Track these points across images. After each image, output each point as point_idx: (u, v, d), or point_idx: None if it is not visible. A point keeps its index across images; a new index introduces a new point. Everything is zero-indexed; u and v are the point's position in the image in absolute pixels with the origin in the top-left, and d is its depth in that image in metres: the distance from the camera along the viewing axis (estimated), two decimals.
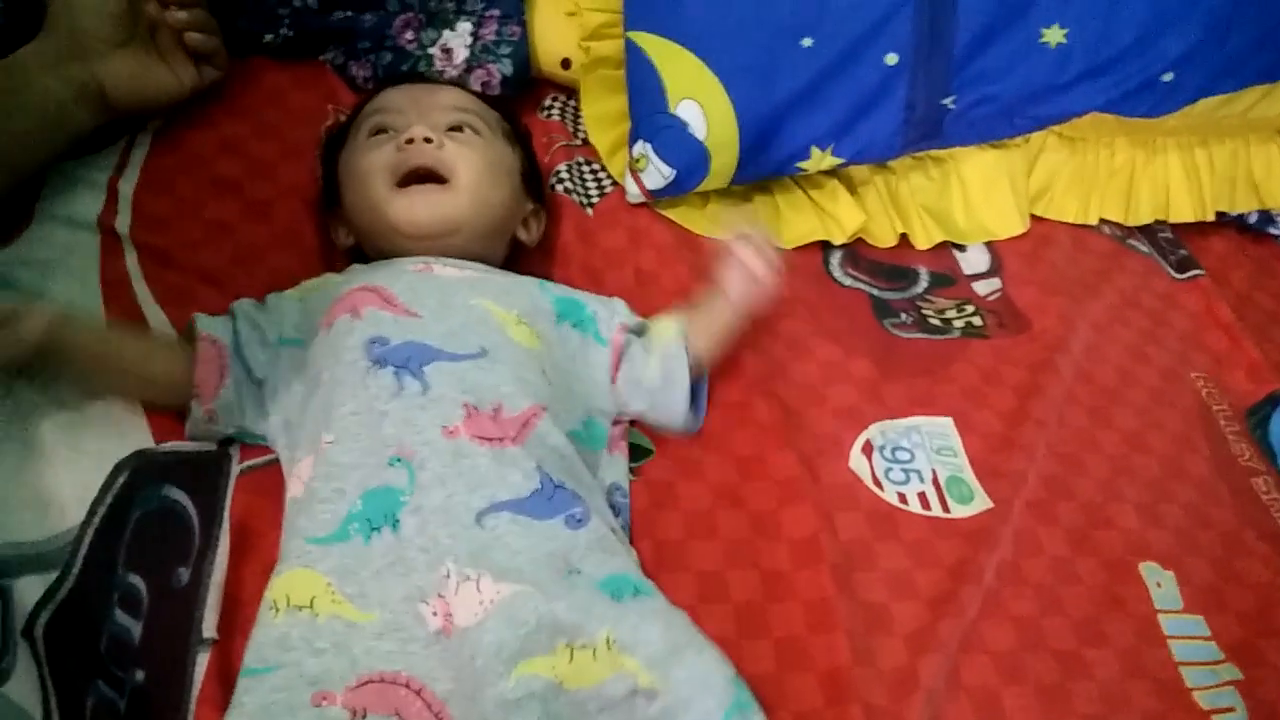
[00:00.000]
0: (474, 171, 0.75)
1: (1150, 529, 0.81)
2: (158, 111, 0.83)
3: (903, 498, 0.77)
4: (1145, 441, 0.88)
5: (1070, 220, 1.06)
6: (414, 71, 0.92)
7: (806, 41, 0.88)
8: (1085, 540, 0.78)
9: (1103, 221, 1.07)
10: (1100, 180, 1.06)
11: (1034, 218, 1.05)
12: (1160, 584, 0.77)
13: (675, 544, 0.70)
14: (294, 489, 0.62)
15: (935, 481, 0.79)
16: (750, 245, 0.74)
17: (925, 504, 0.77)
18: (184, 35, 0.80)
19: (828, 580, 0.68)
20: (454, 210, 0.74)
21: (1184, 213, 1.07)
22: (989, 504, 0.78)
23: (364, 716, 0.51)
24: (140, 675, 0.56)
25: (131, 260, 0.75)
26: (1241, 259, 1.11)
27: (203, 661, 0.57)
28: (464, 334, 0.66)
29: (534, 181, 0.85)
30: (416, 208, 0.73)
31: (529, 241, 0.83)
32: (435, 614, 0.54)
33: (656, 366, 0.74)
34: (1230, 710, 0.71)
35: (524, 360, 0.67)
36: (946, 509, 0.77)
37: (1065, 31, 0.93)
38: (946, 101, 0.94)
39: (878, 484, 0.77)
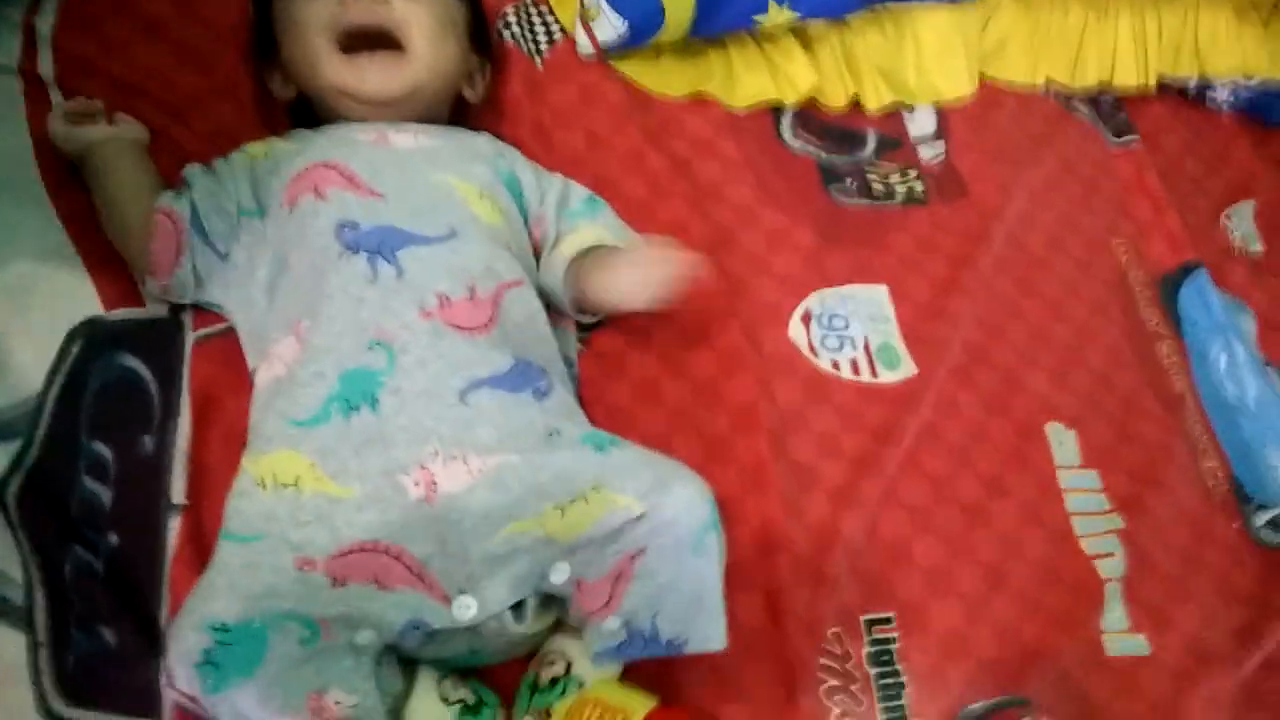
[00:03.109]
0: (427, 34, 0.72)
1: (1059, 392, 0.87)
2: None
3: (835, 364, 0.82)
4: (1064, 309, 0.93)
5: (1018, 80, 1.06)
6: None
7: None
8: (999, 403, 0.84)
9: (1049, 83, 1.08)
10: (1050, 41, 1.06)
11: (982, 79, 1.05)
12: (1062, 442, 0.85)
13: (622, 411, 0.73)
14: (274, 369, 0.63)
15: (866, 348, 0.83)
16: (658, 266, 0.69)
17: (856, 370, 0.82)
18: None
19: (763, 445, 0.73)
20: (412, 80, 0.72)
21: (1128, 78, 1.08)
22: (914, 370, 0.83)
23: (344, 583, 0.55)
24: (114, 539, 0.59)
25: (58, 115, 0.72)
26: (1176, 124, 1.13)
27: (174, 526, 0.60)
28: (431, 214, 0.66)
29: (480, 34, 0.82)
30: (370, 78, 0.71)
31: (474, 99, 0.81)
32: (417, 484, 0.57)
33: (553, 274, 0.73)
34: (1110, 555, 0.80)
35: (491, 237, 0.68)
36: (875, 374, 0.82)
37: None
38: None
39: (813, 351, 0.82)
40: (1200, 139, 1.14)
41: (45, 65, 0.73)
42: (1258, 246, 1.07)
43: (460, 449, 0.58)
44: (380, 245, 0.63)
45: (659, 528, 0.57)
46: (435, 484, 0.57)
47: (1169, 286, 0.99)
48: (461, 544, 0.56)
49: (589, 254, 0.73)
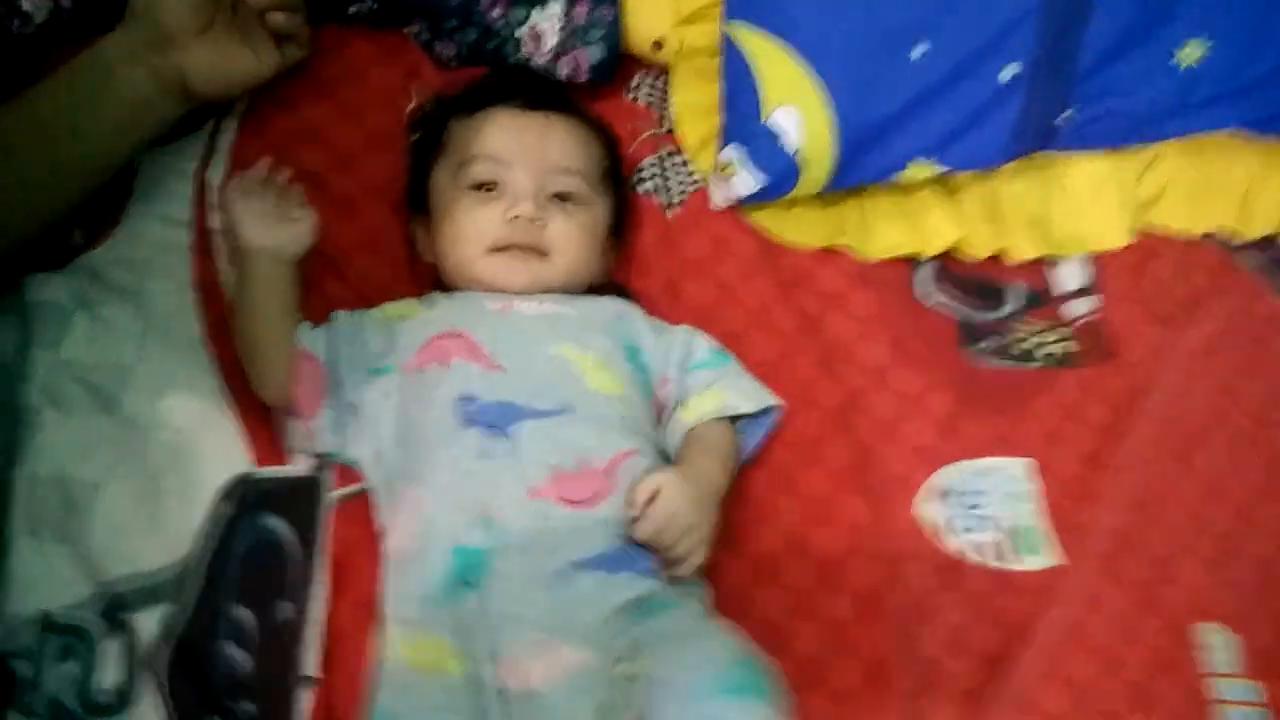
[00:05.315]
0: (573, 250, 0.76)
1: (1217, 587, 0.81)
2: (240, 95, 0.82)
3: (969, 547, 0.78)
4: (1224, 489, 0.86)
5: (1179, 229, 1.00)
6: (519, 72, 0.88)
7: (919, 50, 0.82)
8: (1149, 598, 0.79)
9: (1218, 229, 1.01)
10: (1215, 190, 1.00)
11: (1140, 229, 0.99)
12: (1219, 647, 0.78)
13: (739, 592, 0.71)
14: (393, 539, 0.66)
15: (1004, 531, 0.79)
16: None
17: (991, 555, 0.78)
18: (266, 15, 0.78)
19: (887, 639, 0.70)
20: (549, 283, 0.75)
21: None
22: (1056, 557, 0.78)
23: None
24: (250, 708, 0.61)
25: (223, 261, 0.77)
26: None
27: (305, 698, 0.62)
28: (547, 390, 0.67)
29: (620, 221, 0.84)
30: (511, 276, 0.75)
31: (602, 279, 0.82)
32: (510, 672, 0.60)
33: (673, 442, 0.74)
34: None
35: (605, 410, 0.69)
36: (1013, 561, 0.78)
37: (1207, 47, 0.86)
38: (1064, 115, 0.88)
39: (944, 532, 0.78)
40: None
41: (214, 217, 0.78)
42: None
43: (552, 637, 0.60)
44: (496, 421, 0.65)
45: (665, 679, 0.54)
46: (526, 677, 0.59)
47: None
48: None
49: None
